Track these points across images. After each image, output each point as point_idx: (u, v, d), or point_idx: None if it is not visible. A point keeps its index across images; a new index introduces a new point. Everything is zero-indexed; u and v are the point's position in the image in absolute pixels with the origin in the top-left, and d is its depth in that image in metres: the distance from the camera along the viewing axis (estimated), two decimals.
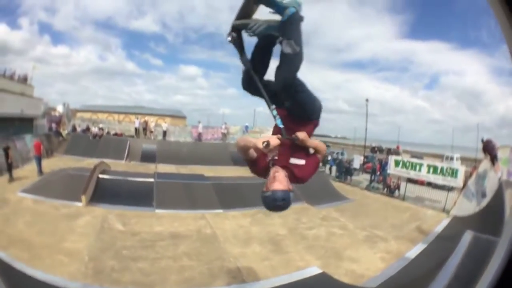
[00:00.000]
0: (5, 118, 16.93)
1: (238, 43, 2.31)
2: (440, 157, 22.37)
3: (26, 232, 7.92)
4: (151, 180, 12.33)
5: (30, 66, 24.69)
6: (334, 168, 20.27)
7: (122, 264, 6.95)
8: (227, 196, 11.72)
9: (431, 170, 14.85)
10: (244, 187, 11.89)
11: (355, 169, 20.05)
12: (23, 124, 18.67)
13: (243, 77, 2.36)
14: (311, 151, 2.26)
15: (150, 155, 19.50)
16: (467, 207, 11.56)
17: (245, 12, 2.26)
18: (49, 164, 14.28)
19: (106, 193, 11.13)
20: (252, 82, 2.28)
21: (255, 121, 34.14)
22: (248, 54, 2.35)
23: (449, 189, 14.08)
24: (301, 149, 2.24)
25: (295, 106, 2.22)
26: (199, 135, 24.92)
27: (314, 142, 2.24)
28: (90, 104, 34.44)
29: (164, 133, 24.26)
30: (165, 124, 26.26)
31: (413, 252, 8.38)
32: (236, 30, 2.29)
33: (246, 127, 27.83)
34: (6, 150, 12.44)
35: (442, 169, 14.55)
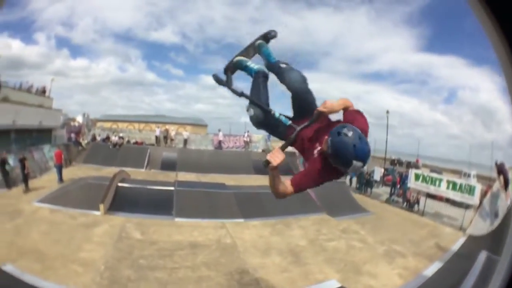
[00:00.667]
0: (23, 130, 17.02)
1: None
2: (458, 173, 21.68)
3: (40, 243, 7.68)
4: (171, 188, 12.01)
5: (48, 79, 25.05)
6: (354, 180, 19.72)
7: (138, 273, 6.68)
8: (248, 205, 11.35)
9: (451, 186, 14.34)
10: (266, 196, 11.17)
11: (375, 181, 19.45)
12: (42, 135, 18.77)
13: (257, 115, 2.61)
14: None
15: (171, 164, 19.21)
16: (482, 226, 11.19)
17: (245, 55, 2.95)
18: (68, 174, 14.16)
19: (125, 201, 10.88)
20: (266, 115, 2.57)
21: None
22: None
23: (466, 206, 13.53)
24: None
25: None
26: (219, 143, 24.62)
27: (339, 102, 2.29)
28: (110, 114, 34.58)
29: (185, 141, 24.02)
30: (186, 132, 26.02)
31: (430, 270, 7.98)
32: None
33: (269, 136, 27.33)
34: (23, 161, 12.38)
35: (461, 185, 14.03)
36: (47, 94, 21.68)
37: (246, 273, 7.10)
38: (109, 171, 14.67)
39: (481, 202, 12.66)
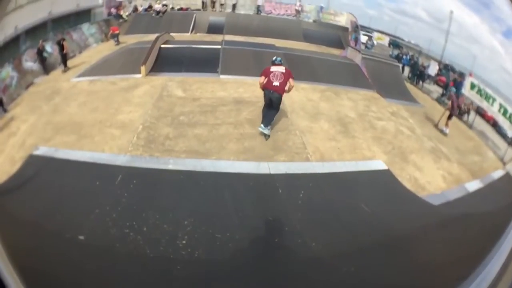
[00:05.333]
0: (60, 18, 16.30)
1: None
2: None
3: (76, 115, 7.23)
4: (218, 47, 11.23)
5: None
6: (406, 69, 17.41)
7: (177, 131, 6.16)
8: (298, 67, 10.20)
9: (502, 110, 11.86)
10: (316, 62, 11.06)
11: (429, 76, 17.06)
12: (80, 17, 18.01)
13: None
14: None
15: (218, 27, 18.04)
16: None
17: None
18: (108, 47, 13.54)
19: (168, 62, 10.25)
20: None
21: (330, 5, 30.62)
22: None
23: (510, 142, 11.19)
24: None
25: None
26: (258, 7, 22.70)
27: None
28: None
29: (234, 6, 22.40)
30: None
31: (472, 185, 7.02)
32: None
33: (321, 7, 24.81)
34: (60, 42, 11.74)
35: (511, 115, 11.50)
36: None
37: (293, 135, 6.51)
38: (151, 37, 13.92)
39: None
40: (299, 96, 8.58)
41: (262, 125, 6.16)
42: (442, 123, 9.57)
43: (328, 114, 7.89)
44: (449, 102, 10.51)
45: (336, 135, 6.94)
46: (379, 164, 6.21)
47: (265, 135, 6.15)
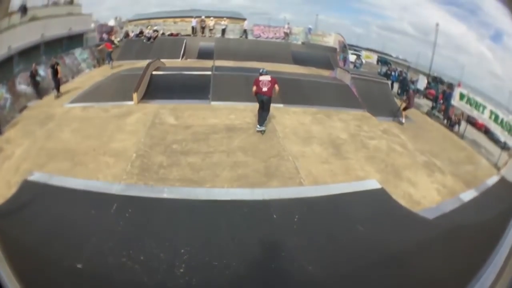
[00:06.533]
0: (53, 41, 16.36)
1: None
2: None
3: (70, 141, 7.30)
4: (208, 73, 11.39)
5: None
6: (395, 85, 17.99)
7: (171, 159, 6.25)
8: (289, 91, 10.44)
9: (493, 117, 12.35)
10: (306, 84, 11.37)
11: (418, 90, 17.72)
12: (72, 41, 18.10)
13: None
14: None
15: (208, 53, 18.36)
16: None
17: None
18: (101, 72, 13.64)
19: (160, 89, 10.37)
20: None
21: (318, 26, 31.17)
22: None
23: (503, 146, 11.71)
24: None
25: None
26: (245, 31, 23.17)
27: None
28: (144, 13, 32.99)
29: (223, 30, 22.79)
30: (224, 22, 24.67)
31: (467, 195, 7.21)
32: None
33: (309, 29, 25.39)
34: (54, 66, 11.80)
35: (502, 120, 12.01)
36: (75, 2, 20.59)
37: (286, 161, 6.62)
38: (143, 64, 14.05)
39: None
40: (291, 120, 8.84)
41: (258, 125, 7.82)
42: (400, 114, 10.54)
43: (320, 137, 8.06)
44: (405, 98, 11.58)
45: (328, 158, 7.09)
46: (373, 184, 6.31)
47: (262, 131, 7.75)
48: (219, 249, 4.38)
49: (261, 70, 8.18)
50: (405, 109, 10.93)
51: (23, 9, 13.98)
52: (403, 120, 10.50)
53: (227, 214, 5.09)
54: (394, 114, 10.72)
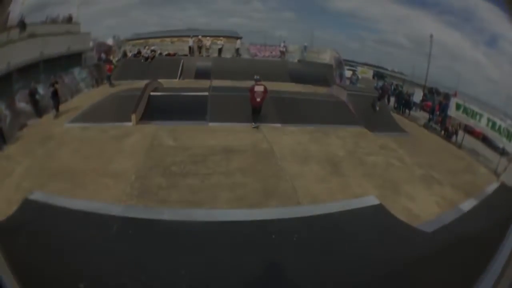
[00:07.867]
0: (51, 59, 16.51)
1: None
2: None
3: (70, 162, 7.37)
4: (206, 93, 11.56)
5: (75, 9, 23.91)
6: (392, 99, 18.28)
7: (170, 181, 6.33)
8: (286, 110, 10.69)
9: (490, 124, 12.64)
10: (303, 103, 11.54)
11: (414, 103, 17.99)
12: (71, 60, 18.25)
13: None
14: None
15: (205, 72, 18.52)
16: None
17: None
18: (99, 92, 13.80)
19: (158, 110, 10.51)
20: None
21: (313, 43, 31.66)
22: None
23: (502, 152, 11.95)
24: None
25: None
26: (237, 50, 23.49)
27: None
28: (141, 32, 33.35)
29: (220, 50, 23.05)
30: (220, 42, 24.98)
31: (466, 204, 7.29)
32: None
33: (305, 47, 25.76)
34: (54, 85, 11.95)
35: (500, 127, 12.28)
36: (74, 20, 20.82)
37: (284, 181, 6.70)
38: (141, 84, 14.21)
39: None
40: (288, 141, 8.91)
41: (252, 123, 9.30)
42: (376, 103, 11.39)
43: (318, 156, 8.14)
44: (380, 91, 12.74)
45: (326, 176, 7.16)
46: (371, 200, 6.34)
47: (257, 127, 9.22)
48: (219, 270, 4.44)
49: (255, 77, 9.57)
50: (378, 98, 12.19)
51: (22, 25, 14.12)
52: (378, 108, 11.70)
53: (226, 234, 5.14)
54: (373, 105, 11.79)
